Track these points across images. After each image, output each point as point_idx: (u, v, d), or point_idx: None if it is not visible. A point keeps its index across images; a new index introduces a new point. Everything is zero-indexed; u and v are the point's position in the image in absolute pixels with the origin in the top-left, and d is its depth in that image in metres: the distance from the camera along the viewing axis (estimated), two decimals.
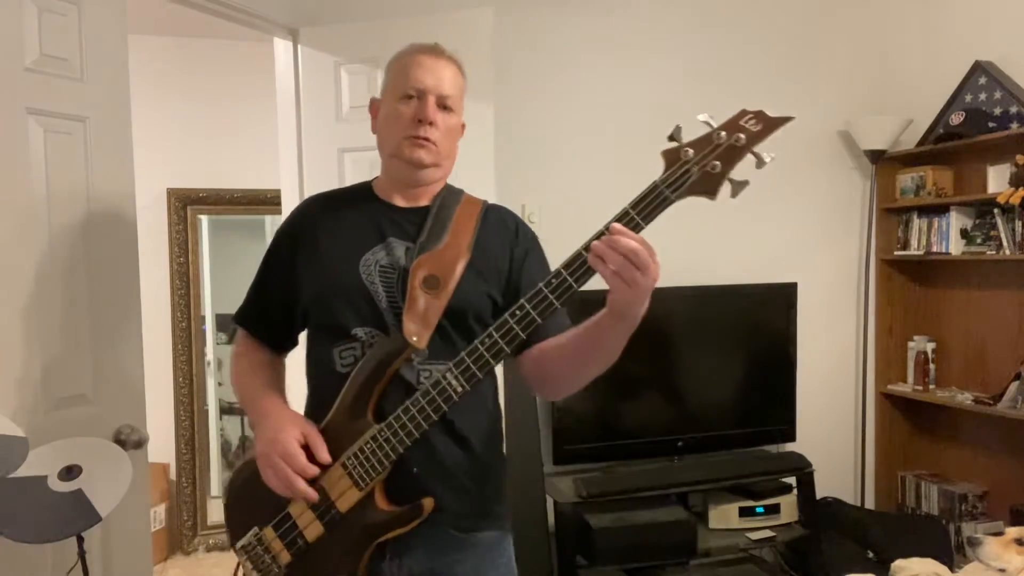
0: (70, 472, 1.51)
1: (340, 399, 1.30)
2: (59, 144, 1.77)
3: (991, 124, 3.07)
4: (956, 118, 3.18)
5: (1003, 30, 3.13)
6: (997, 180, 3.01)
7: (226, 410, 4.96)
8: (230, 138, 4.02)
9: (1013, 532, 1.99)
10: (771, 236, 3.43)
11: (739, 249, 3.36)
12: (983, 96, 3.12)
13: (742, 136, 1.06)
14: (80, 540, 1.55)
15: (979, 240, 3.10)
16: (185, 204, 4.06)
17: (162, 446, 3.91)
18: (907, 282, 3.56)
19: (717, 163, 1.07)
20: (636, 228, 1.10)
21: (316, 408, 1.36)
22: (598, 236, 1.09)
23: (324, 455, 1.26)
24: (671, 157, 1.09)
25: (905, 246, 3.45)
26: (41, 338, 1.73)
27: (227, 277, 4.56)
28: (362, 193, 1.46)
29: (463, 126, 1.46)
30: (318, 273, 1.37)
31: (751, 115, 1.07)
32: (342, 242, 1.37)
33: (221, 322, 4.81)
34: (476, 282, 1.35)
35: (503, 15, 2.73)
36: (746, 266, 3.30)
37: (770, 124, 1.07)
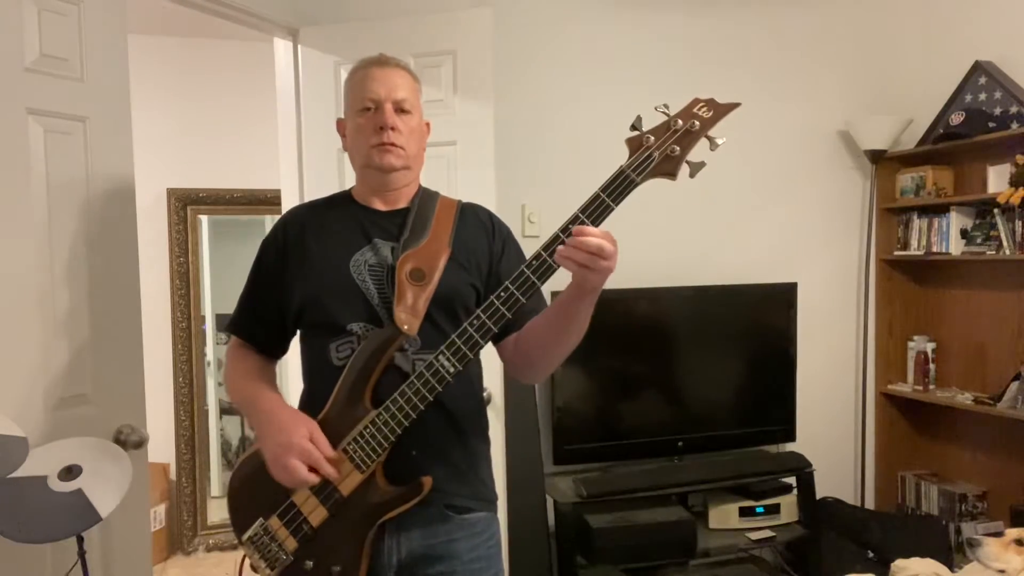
0: (70, 472, 1.51)
1: (337, 389, 1.35)
2: (59, 144, 1.77)
3: (991, 124, 3.06)
4: (956, 118, 3.17)
5: (1003, 30, 3.13)
6: (997, 180, 3.01)
7: (226, 410, 4.95)
8: (230, 138, 4.02)
9: (1013, 533, 1.99)
10: (771, 236, 3.44)
11: (739, 249, 3.36)
12: (983, 96, 3.12)
13: (696, 122, 1.18)
14: (80, 540, 1.55)
15: (979, 240, 3.10)
16: (185, 204, 4.05)
17: (162, 446, 3.91)
18: (907, 282, 3.56)
19: (676, 147, 1.18)
20: (607, 210, 1.19)
21: (312, 400, 1.41)
22: (573, 220, 1.19)
23: (328, 450, 1.30)
24: (634, 144, 1.20)
25: (905, 246, 3.45)
26: (41, 338, 1.73)
27: (227, 277, 4.55)
28: (343, 200, 1.53)
29: (428, 125, 1.52)
30: (310, 277, 1.42)
31: (703, 103, 1.19)
32: (331, 246, 1.44)
33: (221, 322, 4.80)
34: (459, 273, 1.42)
35: (503, 15, 2.73)
36: (746, 266, 3.31)
37: (720, 110, 1.18)
